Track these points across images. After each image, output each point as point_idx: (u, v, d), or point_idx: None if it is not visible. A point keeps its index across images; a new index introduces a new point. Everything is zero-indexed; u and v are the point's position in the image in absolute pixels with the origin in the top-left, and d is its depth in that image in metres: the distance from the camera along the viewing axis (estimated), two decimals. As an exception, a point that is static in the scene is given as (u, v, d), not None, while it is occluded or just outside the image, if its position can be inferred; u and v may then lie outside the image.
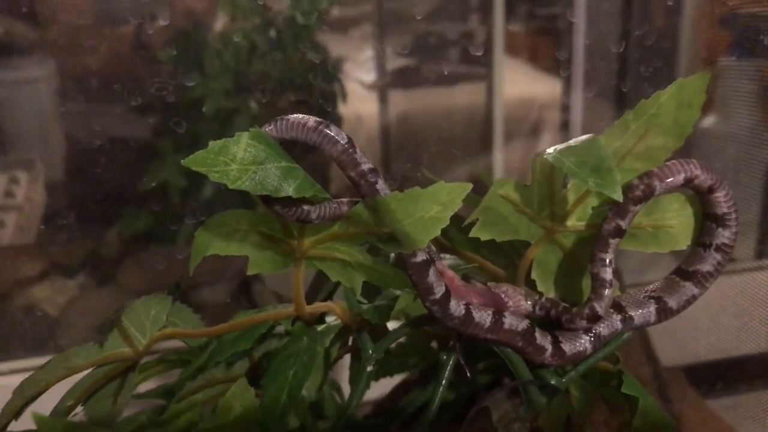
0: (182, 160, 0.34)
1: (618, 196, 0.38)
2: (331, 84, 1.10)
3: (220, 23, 1.04)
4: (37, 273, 1.04)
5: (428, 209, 0.38)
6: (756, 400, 0.91)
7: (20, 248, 1.03)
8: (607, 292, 0.41)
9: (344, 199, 0.40)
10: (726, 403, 0.91)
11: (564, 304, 0.43)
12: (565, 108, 1.18)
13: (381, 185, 0.39)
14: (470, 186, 0.39)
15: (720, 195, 0.41)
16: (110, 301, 1.07)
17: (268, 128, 0.38)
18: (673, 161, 0.41)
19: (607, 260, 0.42)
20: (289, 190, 0.36)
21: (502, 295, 0.42)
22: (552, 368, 0.44)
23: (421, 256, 0.39)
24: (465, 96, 1.22)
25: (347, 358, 0.53)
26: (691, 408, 0.89)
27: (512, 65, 1.18)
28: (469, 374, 0.44)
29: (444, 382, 0.44)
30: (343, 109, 1.10)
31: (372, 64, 1.22)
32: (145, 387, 0.55)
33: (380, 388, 0.56)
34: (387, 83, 1.21)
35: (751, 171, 1.02)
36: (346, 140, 0.38)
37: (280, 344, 0.51)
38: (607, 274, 0.42)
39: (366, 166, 0.38)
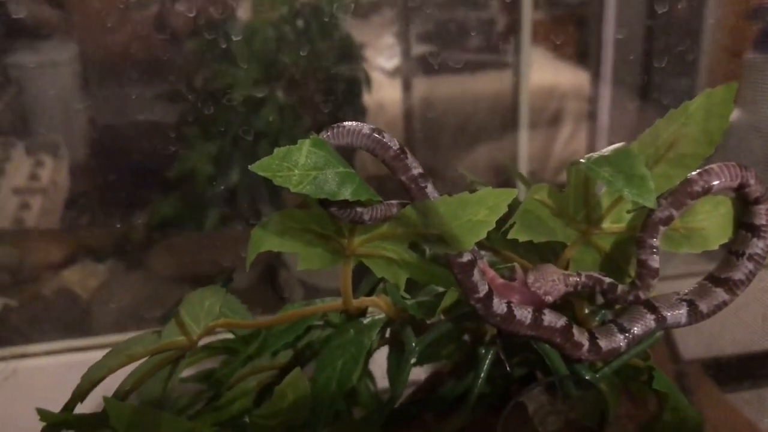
0: (249, 166, 0.36)
1: (652, 204, 0.40)
2: (356, 72, 1.11)
3: (247, 12, 1.05)
4: (66, 256, 1.06)
5: (476, 213, 0.40)
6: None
7: (45, 231, 1.05)
8: (653, 282, 0.43)
9: (394, 201, 0.42)
10: (746, 398, 0.92)
11: (609, 281, 0.44)
12: (591, 98, 1.19)
13: (430, 189, 0.41)
14: (516, 192, 0.41)
15: (763, 207, 0.43)
16: (140, 285, 1.09)
17: (325, 135, 0.40)
18: (732, 164, 0.42)
19: (656, 247, 0.43)
20: (346, 194, 0.38)
21: (541, 281, 0.43)
22: (587, 364, 0.46)
23: (466, 257, 0.41)
24: (489, 84, 1.23)
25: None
26: (711, 402, 0.90)
27: (538, 53, 1.19)
28: (508, 368, 0.46)
29: (483, 374, 0.46)
30: (367, 97, 1.11)
31: (393, 51, 1.23)
32: (186, 373, 0.58)
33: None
34: (409, 70, 1.22)
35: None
36: (397, 146, 0.40)
37: (323, 335, 0.53)
38: (656, 262, 0.43)
39: (416, 171, 0.41)
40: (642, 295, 0.44)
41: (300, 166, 0.38)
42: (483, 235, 0.40)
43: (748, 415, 0.86)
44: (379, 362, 0.56)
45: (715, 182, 0.42)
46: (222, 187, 1.04)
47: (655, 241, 0.43)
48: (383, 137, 0.40)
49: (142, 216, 1.06)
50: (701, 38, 1.10)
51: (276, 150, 0.37)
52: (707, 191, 0.42)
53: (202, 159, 1.03)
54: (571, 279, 0.44)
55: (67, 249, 1.06)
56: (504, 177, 1.19)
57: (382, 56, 1.23)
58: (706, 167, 0.42)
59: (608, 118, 1.12)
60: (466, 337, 0.56)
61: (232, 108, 1.02)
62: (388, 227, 0.43)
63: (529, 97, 1.14)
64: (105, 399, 0.40)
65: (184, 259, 1.11)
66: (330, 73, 1.10)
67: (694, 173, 0.43)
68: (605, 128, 1.12)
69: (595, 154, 0.42)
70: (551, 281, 0.44)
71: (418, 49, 1.21)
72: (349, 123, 0.40)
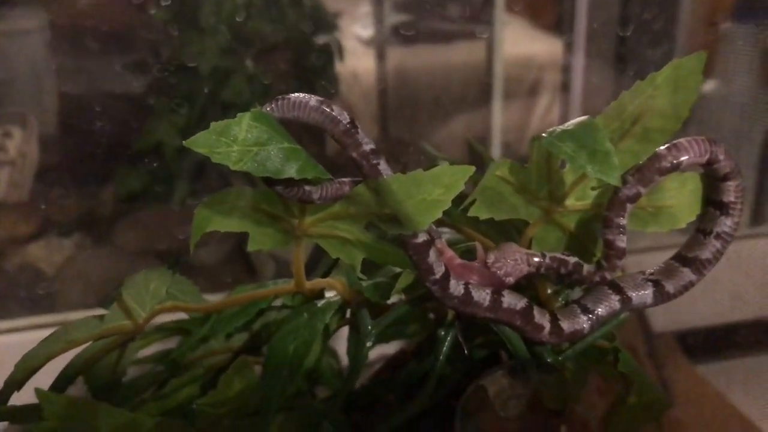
0: (183, 142, 0.34)
1: (616, 182, 0.38)
2: (329, 41, 1.09)
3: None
4: (32, 231, 1.03)
5: (430, 192, 0.38)
6: (745, 366, 0.92)
7: (13, 205, 1.03)
8: (620, 262, 0.41)
9: (346, 179, 0.40)
10: (715, 369, 0.92)
11: (574, 261, 0.43)
12: (566, 69, 1.17)
13: (383, 166, 0.39)
14: (473, 169, 0.39)
15: (732, 184, 0.41)
16: (107, 260, 1.07)
17: (269, 108, 0.37)
18: (702, 138, 0.40)
19: (623, 226, 0.41)
20: (291, 171, 0.36)
21: (502, 261, 0.41)
22: (549, 346, 0.44)
23: (421, 237, 0.39)
24: (464, 54, 1.21)
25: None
26: (681, 374, 0.90)
27: (512, 23, 1.16)
28: (466, 351, 0.44)
29: (442, 357, 0.45)
30: (340, 66, 1.09)
31: (370, 19, 1.21)
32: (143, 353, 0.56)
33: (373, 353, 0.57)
34: (383, 39, 1.19)
35: (750, 136, 1.02)
36: (348, 120, 0.38)
37: (279, 316, 0.52)
38: (623, 242, 0.41)
39: (368, 147, 0.38)
40: (608, 275, 0.43)
41: (240, 141, 0.35)
42: (438, 215, 0.38)
43: (717, 386, 0.86)
44: (344, 338, 0.54)
45: (684, 157, 0.40)
46: (190, 161, 1.01)
47: (622, 220, 0.41)
48: (332, 110, 0.37)
49: (110, 189, 1.04)
50: (678, 7, 1.08)
51: (213, 124, 0.35)
52: (676, 167, 0.40)
53: (170, 131, 1.00)
54: (534, 259, 0.42)
55: (34, 223, 1.03)
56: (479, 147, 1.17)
57: (358, 24, 1.20)
58: (674, 142, 0.40)
59: (582, 88, 1.10)
60: (432, 315, 0.54)
61: (200, 78, 0.99)
62: (341, 206, 0.41)
63: (503, 67, 1.12)
64: (37, 391, 0.37)
65: (152, 234, 1.09)
66: (301, 42, 1.07)
67: (662, 148, 0.40)
68: (579, 99, 1.10)
69: (558, 128, 0.40)
70: (512, 261, 0.42)
71: (394, 18, 1.19)
72: (296, 95, 0.37)
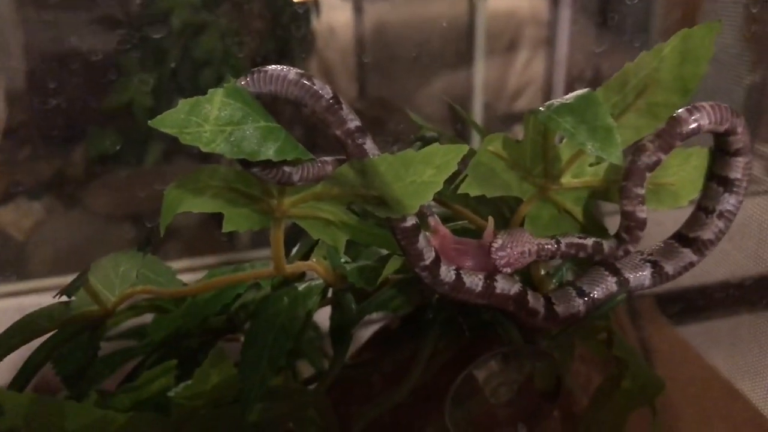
0: (149, 122, 0.31)
1: (618, 160, 0.35)
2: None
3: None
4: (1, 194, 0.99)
5: (421, 173, 0.35)
6: (723, 326, 0.92)
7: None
8: (641, 234, 0.39)
9: (328, 159, 0.37)
10: (695, 330, 0.92)
11: (592, 242, 0.40)
12: (550, 24, 1.13)
13: (369, 145, 0.36)
14: (467, 148, 0.36)
15: (742, 160, 0.39)
16: (78, 224, 1.04)
17: (244, 82, 0.34)
18: (725, 105, 0.38)
19: (642, 196, 0.39)
20: (269, 152, 0.33)
21: (507, 251, 0.38)
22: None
23: (410, 221, 0.36)
24: (445, 7, 1.17)
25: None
26: (662, 336, 0.90)
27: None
28: (466, 332, 0.42)
29: (430, 342, 0.42)
30: (316, 22, 1.05)
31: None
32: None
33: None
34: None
35: (732, 96, 1.00)
36: (330, 95, 0.34)
37: (258, 296, 0.49)
38: (643, 212, 0.39)
39: (353, 124, 0.35)
40: (632, 248, 0.40)
41: (212, 120, 0.32)
42: (429, 198, 0.36)
43: (696, 346, 0.86)
44: (325, 314, 0.52)
45: (705, 121, 0.37)
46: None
47: (641, 190, 0.39)
48: (313, 84, 0.34)
49: (80, 150, 1.00)
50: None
51: (181, 102, 0.32)
52: (696, 131, 0.38)
53: (140, 89, 0.96)
54: (547, 248, 0.40)
55: (1, 186, 0.99)
56: (460, 107, 1.14)
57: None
58: (696, 104, 0.37)
59: (568, 44, 1.07)
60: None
61: (171, 34, 0.95)
62: (323, 187, 0.38)
63: (485, 22, 1.09)
64: (-2, 390, 0.35)
65: (124, 196, 1.05)
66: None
67: (681, 110, 0.38)
68: (564, 55, 1.07)
69: (555, 102, 0.37)
70: (518, 253, 0.38)
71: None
72: (272, 67, 0.34)
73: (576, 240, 0.40)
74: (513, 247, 0.38)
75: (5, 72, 0.96)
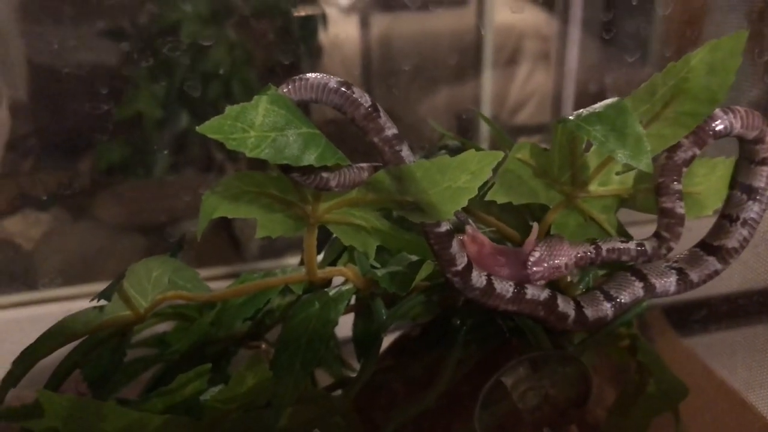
0: (197, 128, 0.31)
1: (648, 168, 0.36)
2: (312, 8, 1.05)
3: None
4: (6, 204, 1.00)
5: (456, 179, 0.36)
6: (729, 338, 0.92)
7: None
8: (681, 230, 0.40)
9: (364, 165, 0.37)
10: (701, 341, 0.92)
11: (634, 246, 0.41)
12: (555, 39, 1.14)
13: (406, 152, 0.36)
14: (501, 155, 0.37)
15: (766, 169, 0.40)
16: (86, 235, 1.04)
17: (285, 90, 0.35)
18: (758, 113, 0.39)
19: (679, 191, 0.40)
20: (310, 158, 0.34)
21: (544, 266, 0.39)
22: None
23: (444, 227, 0.37)
24: (452, 21, 1.18)
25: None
26: (669, 346, 0.90)
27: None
28: (507, 334, 0.42)
29: (458, 347, 0.43)
30: (323, 36, 1.06)
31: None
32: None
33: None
34: (367, 6, 1.16)
35: (737, 104, 1.01)
36: (369, 103, 0.35)
37: (283, 302, 0.49)
38: (682, 207, 0.40)
39: (390, 132, 0.36)
40: (673, 245, 0.41)
41: (257, 126, 0.33)
42: (464, 203, 0.36)
43: (703, 358, 0.86)
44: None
45: (738, 125, 0.38)
46: (171, 132, 0.98)
47: (678, 185, 0.40)
48: (353, 92, 0.35)
49: (86, 161, 1.00)
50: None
51: (228, 108, 0.32)
52: (728, 133, 0.39)
53: (149, 101, 0.97)
54: (587, 256, 0.40)
55: (7, 196, 1.00)
56: (466, 119, 1.15)
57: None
58: (731, 107, 0.39)
59: (577, 60, 1.08)
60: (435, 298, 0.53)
61: (180, 47, 0.96)
62: (358, 193, 0.39)
63: (493, 36, 1.10)
64: (39, 393, 0.35)
65: (132, 207, 1.06)
66: (283, 10, 1.03)
67: (718, 110, 0.39)
68: (573, 70, 1.08)
69: (584, 110, 0.38)
70: (555, 267, 0.39)
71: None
72: (313, 75, 0.35)
73: (618, 245, 0.40)
74: (549, 261, 0.39)
75: (11, 85, 0.97)
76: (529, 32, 1.20)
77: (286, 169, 0.35)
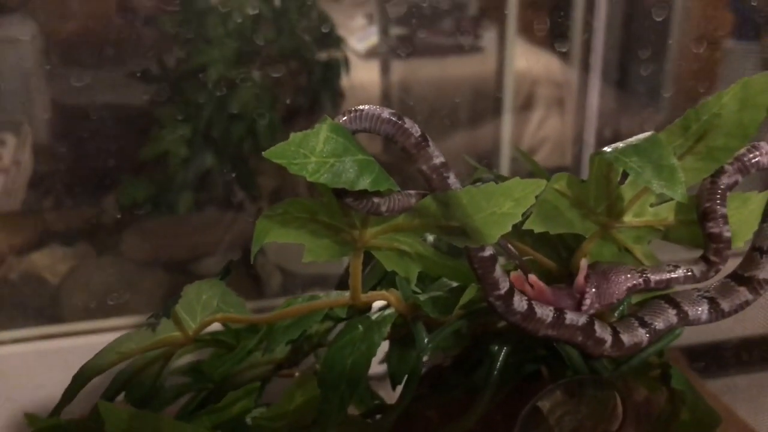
0: (263, 153, 0.34)
1: (683, 198, 0.38)
2: (334, 53, 1.09)
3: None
4: (32, 240, 1.02)
5: (501, 205, 0.38)
6: (752, 381, 0.93)
7: (7, 214, 1.01)
8: (728, 254, 0.41)
9: (412, 192, 0.39)
10: (725, 385, 0.92)
11: (683, 273, 0.42)
12: (574, 86, 1.17)
13: (453, 180, 0.38)
14: (545, 183, 0.39)
15: None
16: (111, 270, 1.06)
17: (342, 119, 0.37)
18: None
19: (725, 216, 0.41)
20: (365, 183, 0.36)
21: (599, 299, 0.41)
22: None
23: (488, 251, 0.39)
24: (471, 67, 1.21)
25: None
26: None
27: (521, 40, 1.17)
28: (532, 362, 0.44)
29: (496, 374, 0.44)
30: (345, 79, 1.09)
31: (365, 32, 1.21)
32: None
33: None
34: (384, 52, 1.20)
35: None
36: (419, 133, 0.37)
37: (321, 328, 0.51)
38: (728, 231, 0.41)
39: (438, 160, 0.38)
40: (721, 268, 0.42)
41: (317, 152, 0.35)
42: (508, 229, 0.38)
43: (726, 401, 0.86)
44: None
45: None
46: (196, 171, 1.01)
47: (723, 209, 0.41)
48: (404, 123, 0.37)
49: (111, 199, 1.03)
50: (674, 26, 1.09)
51: (292, 135, 0.35)
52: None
53: (176, 141, 1.00)
54: (636, 288, 0.42)
55: (32, 232, 1.02)
56: (484, 162, 1.17)
57: (354, 37, 1.20)
58: None
59: (598, 108, 1.11)
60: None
61: (206, 89, 0.99)
62: (405, 218, 0.41)
63: (514, 81, 1.13)
64: (100, 404, 0.37)
65: (156, 243, 1.08)
66: (307, 54, 1.07)
67: (763, 142, 0.41)
68: (594, 115, 1.11)
69: (620, 143, 0.40)
70: (607, 305, 0.41)
71: (394, 30, 1.19)
72: (368, 107, 0.37)
73: (666, 275, 0.42)
74: (602, 302, 0.41)
75: (33, 125, 1.00)
76: (538, 79, 1.24)
77: (340, 194, 0.37)
